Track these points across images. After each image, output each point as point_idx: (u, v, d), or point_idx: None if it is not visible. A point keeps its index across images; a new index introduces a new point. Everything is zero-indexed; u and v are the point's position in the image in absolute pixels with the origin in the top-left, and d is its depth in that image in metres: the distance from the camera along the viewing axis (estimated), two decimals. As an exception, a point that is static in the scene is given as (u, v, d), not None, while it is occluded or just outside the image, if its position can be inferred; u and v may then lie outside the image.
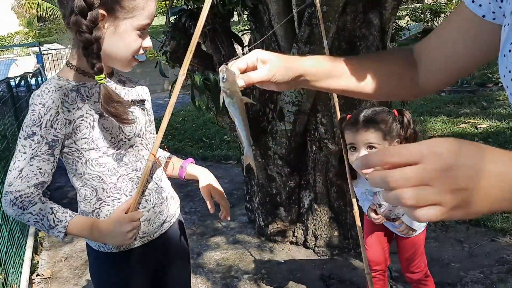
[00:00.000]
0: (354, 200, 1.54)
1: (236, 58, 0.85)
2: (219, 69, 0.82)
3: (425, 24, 14.36)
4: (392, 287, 2.35)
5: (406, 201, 0.49)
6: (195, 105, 2.49)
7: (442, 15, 14.28)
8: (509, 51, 0.64)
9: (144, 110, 1.36)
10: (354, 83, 0.92)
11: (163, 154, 1.56)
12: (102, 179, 1.23)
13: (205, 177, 1.47)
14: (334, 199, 2.75)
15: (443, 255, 2.58)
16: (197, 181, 1.45)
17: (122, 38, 1.16)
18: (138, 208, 1.29)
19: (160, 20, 8.94)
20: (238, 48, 3.26)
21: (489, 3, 0.74)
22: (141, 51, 1.24)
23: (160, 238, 1.38)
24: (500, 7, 0.72)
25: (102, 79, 1.12)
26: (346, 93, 0.98)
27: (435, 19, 14.34)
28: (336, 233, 2.77)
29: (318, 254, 2.74)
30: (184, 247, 1.54)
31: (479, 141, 4.20)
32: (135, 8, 1.14)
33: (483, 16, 0.76)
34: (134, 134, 1.29)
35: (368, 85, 0.92)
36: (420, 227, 1.80)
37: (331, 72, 0.90)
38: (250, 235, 3.09)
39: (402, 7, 16.89)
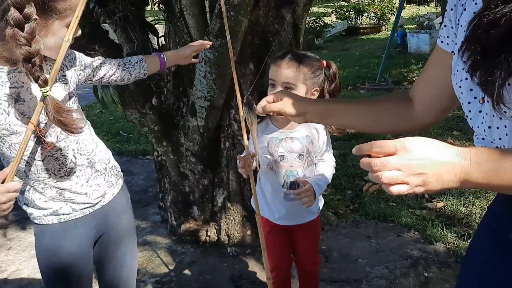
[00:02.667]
0: (256, 203, 1.46)
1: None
2: (245, 97, 1.19)
3: (350, 22, 14.86)
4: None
5: (383, 180, 0.69)
6: (98, 98, 2.31)
7: (365, 14, 14.85)
8: (457, 70, 0.86)
9: (66, 84, 1.32)
10: (351, 121, 1.15)
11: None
12: (27, 162, 1.25)
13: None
14: (248, 197, 2.70)
15: (352, 251, 2.62)
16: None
17: (53, 35, 1.14)
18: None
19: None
20: (153, 39, 3.10)
21: (452, 41, 0.93)
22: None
23: (103, 208, 1.45)
24: (456, 43, 0.90)
25: (47, 91, 1.07)
26: (349, 128, 1.36)
27: (358, 18, 14.88)
28: (249, 232, 2.73)
29: (231, 254, 2.68)
30: (128, 218, 1.59)
31: (390, 137, 4.36)
32: (68, 9, 1.12)
33: (452, 51, 0.94)
34: None
35: (363, 121, 1.13)
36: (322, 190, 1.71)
37: (330, 112, 1.14)
38: (162, 235, 2.96)
39: (328, 4, 17.37)
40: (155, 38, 3.14)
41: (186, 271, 2.54)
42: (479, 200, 3.02)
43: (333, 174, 1.76)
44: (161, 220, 3.15)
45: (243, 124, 1.41)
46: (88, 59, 1.44)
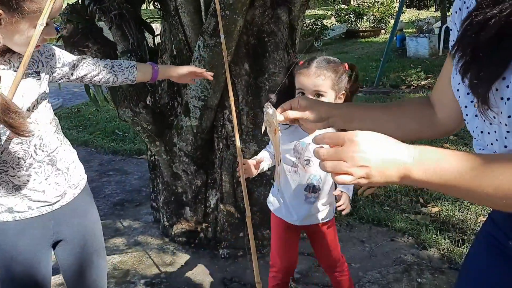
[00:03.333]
0: (247, 206, 1.44)
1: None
2: (265, 105, 1.08)
3: (349, 25, 14.84)
4: (293, 289, 2.32)
5: (327, 169, 0.73)
6: (90, 96, 2.27)
7: (365, 17, 14.85)
8: (455, 73, 0.84)
9: (39, 80, 1.30)
10: (374, 126, 1.09)
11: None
12: None
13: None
14: (241, 199, 2.66)
15: (345, 255, 2.57)
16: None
17: (21, 34, 1.13)
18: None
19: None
20: (148, 37, 3.07)
21: None
22: (43, 42, 1.24)
23: (62, 208, 1.42)
24: None
25: None
26: None
27: (358, 21, 14.87)
28: (241, 234, 2.69)
29: (222, 256, 2.65)
30: (92, 218, 1.56)
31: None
32: (37, 11, 1.09)
33: None
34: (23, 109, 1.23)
35: (387, 127, 1.08)
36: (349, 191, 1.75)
37: (354, 116, 1.11)
38: (154, 236, 2.93)
39: (328, 7, 17.37)
40: (151, 36, 3.12)
41: (177, 273, 2.50)
42: (474, 205, 3.00)
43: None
44: (154, 220, 3.12)
45: (235, 125, 1.38)
46: (69, 58, 1.41)
